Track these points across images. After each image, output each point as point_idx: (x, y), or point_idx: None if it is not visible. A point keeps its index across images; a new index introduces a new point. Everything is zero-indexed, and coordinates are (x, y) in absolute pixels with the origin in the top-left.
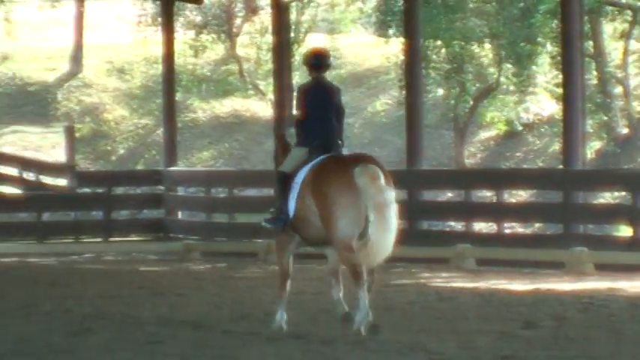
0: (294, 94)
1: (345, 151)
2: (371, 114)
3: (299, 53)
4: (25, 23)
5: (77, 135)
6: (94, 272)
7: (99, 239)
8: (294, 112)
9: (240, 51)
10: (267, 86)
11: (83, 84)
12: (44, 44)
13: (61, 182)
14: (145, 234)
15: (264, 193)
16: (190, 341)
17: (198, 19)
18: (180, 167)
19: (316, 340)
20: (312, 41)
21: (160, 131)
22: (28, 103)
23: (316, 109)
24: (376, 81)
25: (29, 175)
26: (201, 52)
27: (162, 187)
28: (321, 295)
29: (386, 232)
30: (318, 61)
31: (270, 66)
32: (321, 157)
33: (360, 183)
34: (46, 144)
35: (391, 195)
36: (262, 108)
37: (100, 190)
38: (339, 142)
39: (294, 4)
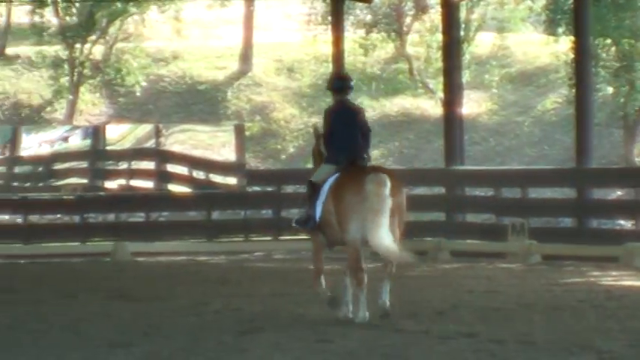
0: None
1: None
2: (540, 112)
3: (469, 52)
4: (195, 22)
5: (247, 133)
6: (263, 271)
7: (268, 238)
8: (322, 132)
9: (409, 49)
10: (437, 85)
11: (253, 82)
12: (214, 43)
13: (231, 181)
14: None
15: (433, 192)
16: (360, 340)
17: (368, 17)
18: None
19: (486, 338)
20: (482, 39)
21: None
22: (197, 102)
23: (341, 129)
24: (546, 79)
25: (199, 174)
26: (371, 50)
27: None
28: (492, 294)
29: (376, 231)
30: (340, 84)
31: (439, 64)
32: (344, 167)
33: (368, 189)
34: (215, 143)
35: (387, 204)
36: (432, 106)
37: (269, 189)
38: (365, 156)
39: (463, 2)
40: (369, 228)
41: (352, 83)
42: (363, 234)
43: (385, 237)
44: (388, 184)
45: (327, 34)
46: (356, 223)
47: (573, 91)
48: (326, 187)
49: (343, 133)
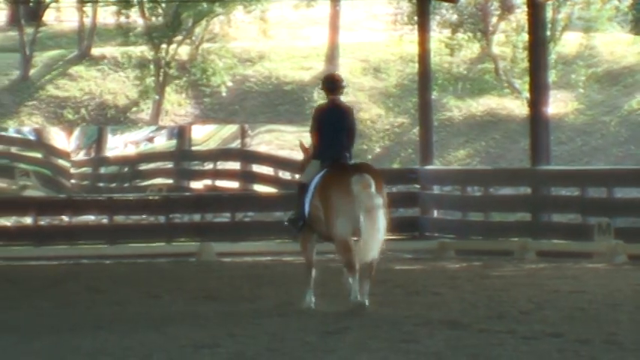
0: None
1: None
2: (627, 112)
3: (555, 51)
4: (281, 23)
5: None
6: None
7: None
8: (310, 129)
9: (495, 49)
10: (523, 84)
11: None
12: (299, 43)
13: None
14: (400, 232)
15: (519, 192)
16: (446, 340)
17: (454, 17)
18: (435, 166)
19: (572, 338)
20: (568, 39)
21: (416, 130)
22: (283, 102)
23: (328, 127)
24: (632, 79)
25: (284, 174)
26: (457, 50)
27: (417, 186)
28: (578, 294)
29: (374, 231)
30: (332, 85)
31: (525, 64)
32: (329, 165)
33: (355, 190)
34: None
35: (379, 201)
36: (518, 106)
37: None
38: (347, 155)
39: (550, 2)
40: (367, 226)
41: (344, 84)
42: (355, 232)
43: (377, 239)
44: (373, 183)
45: (413, 34)
46: (342, 221)
47: None
48: (312, 185)
49: (330, 131)
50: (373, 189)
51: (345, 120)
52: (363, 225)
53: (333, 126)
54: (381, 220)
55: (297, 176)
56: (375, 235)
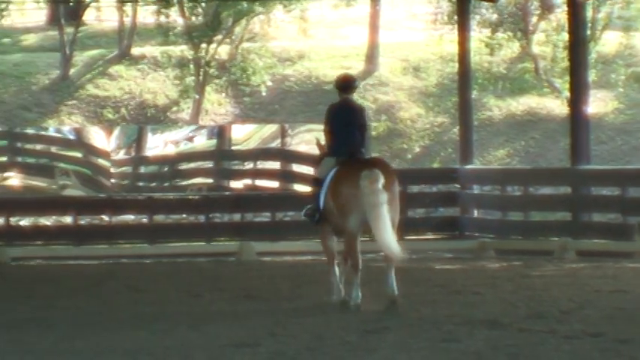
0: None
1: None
2: None
3: (595, 51)
4: (320, 22)
5: (373, 133)
6: None
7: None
8: (324, 128)
9: (535, 48)
10: (563, 84)
11: (379, 82)
12: (339, 43)
13: None
14: (440, 232)
15: (559, 191)
16: (486, 339)
17: (494, 17)
18: (475, 165)
19: (613, 338)
20: (608, 38)
21: (456, 129)
22: (323, 101)
23: (342, 125)
24: None
25: None
26: (497, 49)
27: (457, 185)
28: (618, 294)
29: (381, 227)
30: (345, 84)
31: (565, 63)
32: (342, 161)
33: (362, 185)
34: None
35: (383, 197)
36: (558, 106)
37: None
38: (362, 150)
39: (589, 1)
40: (373, 222)
41: (356, 84)
42: (366, 228)
43: (388, 233)
44: (381, 179)
45: (452, 34)
46: (353, 216)
47: None
48: (327, 179)
49: (343, 128)
50: (380, 185)
51: (357, 118)
52: (370, 222)
53: (346, 124)
54: (385, 216)
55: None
56: (383, 230)
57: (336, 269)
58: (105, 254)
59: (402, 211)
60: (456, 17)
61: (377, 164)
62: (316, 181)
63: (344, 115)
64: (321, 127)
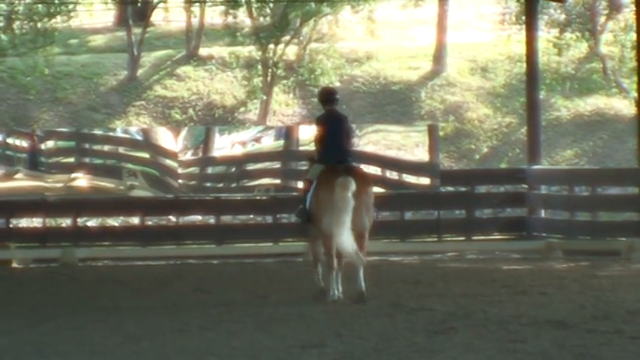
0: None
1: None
2: None
3: None
4: (388, 23)
5: (441, 134)
6: (456, 271)
7: (461, 238)
8: (313, 137)
9: (603, 49)
10: (631, 84)
11: (446, 83)
12: (407, 43)
13: (424, 181)
14: (507, 232)
15: (627, 192)
16: (552, 340)
17: (562, 17)
18: (543, 165)
19: None
20: None
21: (524, 130)
22: (391, 102)
23: (329, 134)
24: None
25: (392, 174)
26: (565, 50)
27: (524, 186)
28: None
29: (340, 231)
30: (328, 97)
31: (633, 64)
32: (327, 167)
33: (335, 191)
34: (408, 143)
35: (350, 204)
36: (626, 106)
37: (462, 189)
38: (349, 158)
39: None
40: (334, 225)
41: (337, 96)
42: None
43: (345, 236)
44: (352, 187)
45: (520, 34)
46: (327, 217)
47: None
48: (313, 185)
49: (331, 137)
50: (350, 192)
51: (343, 126)
52: (332, 223)
53: (333, 133)
54: (345, 222)
55: (394, 175)
56: (340, 234)
57: (320, 269)
58: (172, 255)
59: (467, 211)
60: (523, 17)
61: (353, 172)
62: (308, 183)
63: (331, 124)
64: (389, 127)
